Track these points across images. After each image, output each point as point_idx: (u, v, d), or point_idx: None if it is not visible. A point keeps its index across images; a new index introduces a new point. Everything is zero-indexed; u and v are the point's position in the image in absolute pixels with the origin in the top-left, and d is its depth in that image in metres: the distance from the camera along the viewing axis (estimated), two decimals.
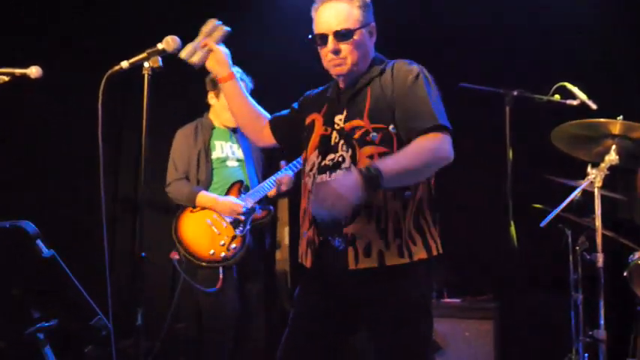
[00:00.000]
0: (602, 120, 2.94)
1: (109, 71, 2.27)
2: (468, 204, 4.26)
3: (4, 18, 4.04)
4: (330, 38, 2.10)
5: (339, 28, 2.09)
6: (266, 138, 2.44)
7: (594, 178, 2.87)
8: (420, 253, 2.03)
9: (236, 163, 3.57)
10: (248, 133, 2.53)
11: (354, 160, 2.05)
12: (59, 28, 4.26)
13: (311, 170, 2.17)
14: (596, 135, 2.99)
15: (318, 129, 2.20)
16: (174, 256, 3.42)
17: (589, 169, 2.96)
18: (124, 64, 2.37)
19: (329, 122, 2.17)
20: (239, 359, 3.49)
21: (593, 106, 3.18)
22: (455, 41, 4.49)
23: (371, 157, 2.03)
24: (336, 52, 2.11)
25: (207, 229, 3.36)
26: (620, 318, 3.26)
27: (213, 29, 2.43)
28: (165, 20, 4.36)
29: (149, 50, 2.29)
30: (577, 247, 3.41)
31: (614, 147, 2.88)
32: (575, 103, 3.24)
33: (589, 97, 3.22)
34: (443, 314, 3.85)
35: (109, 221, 4.27)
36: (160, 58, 2.27)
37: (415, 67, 2.12)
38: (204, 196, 3.40)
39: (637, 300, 3.08)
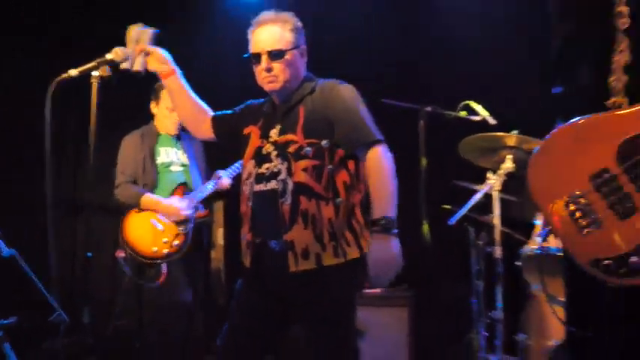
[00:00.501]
0: (499, 134, 3.35)
1: (57, 78, 2.27)
2: None
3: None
4: (264, 57, 2.26)
5: (271, 49, 2.25)
6: (206, 132, 2.55)
7: (494, 183, 3.34)
8: (353, 253, 2.19)
9: (180, 168, 3.74)
10: (189, 126, 2.62)
11: (289, 172, 2.19)
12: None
13: (248, 179, 2.31)
14: (495, 146, 3.39)
15: (255, 141, 2.36)
16: (120, 254, 3.55)
17: (489, 175, 3.41)
18: (73, 72, 2.35)
19: (264, 135, 2.33)
20: (179, 354, 3.61)
21: (493, 122, 3.56)
22: (384, 60, 4.81)
23: (305, 169, 2.18)
24: (269, 69, 2.26)
25: (151, 227, 3.52)
26: (514, 301, 3.63)
27: (140, 34, 2.43)
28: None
29: (98, 60, 2.31)
30: (479, 242, 3.85)
31: (510, 157, 3.31)
32: (477, 118, 3.61)
33: (490, 114, 3.59)
34: (364, 303, 4.09)
35: (55, 223, 4.32)
36: (108, 68, 2.28)
37: (347, 86, 2.32)
38: (148, 198, 3.56)
39: (527, 285, 3.49)
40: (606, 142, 1.25)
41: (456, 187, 3.80)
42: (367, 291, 4.42)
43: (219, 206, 4.57)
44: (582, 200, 1.28)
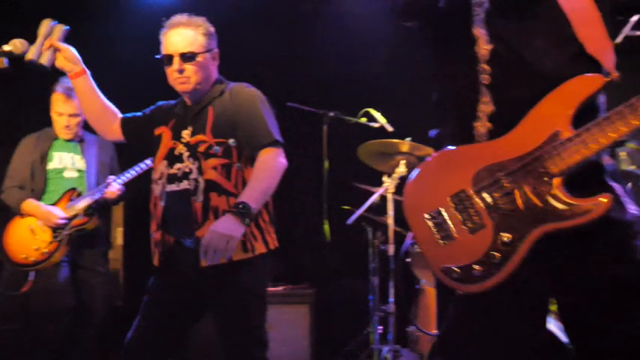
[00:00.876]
0: (394, 140, 3.61)
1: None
2: (291, 206, 4.74)
3: None
4: (176, 59, 2.30)
5: (184, 51, 2.30)
6: (115, 133, 2.55)
7: (388, 186, 3.60)
8: (260, 248, 2.31)
9: (75, 174, 3.62)
10: (97, 127, 2.59)
11: (200, 170, 2.27)
12: None
13: (160, 179, 2.36)
14: (390, 152, 3.64)
15: (166, 141, 2.40)
16: None
17: (384, 178, 3.67)
18: None
19: (176, 136, 2.38)
20: (73, 355, 3.60)
21: (390, 129, 3.87)
22: (294, 66, 4.97)
23: (215, 167, 2.28)
24: (181, 71, 2.31)
25: (27, 234, 3.41)
26: (406, 295, 3.84)
27: (51, 30, 2.38)
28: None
29: None
30: (375, 241, 4.10)
31: (403, 162, 3.57)
32: (376, 125, 3.92)
33: (387, 121, 3.90)
34: (267, 301, 4.33)
35: None
36: (5, 60, 2.22)
37: (253, 90, 2.42)
38: (28, 204, 3.44)
39: (417, 280, 3.74)
40: (466, 168, 1.47)
41: (355, 189, 4.01)
42: (270, 289, 4.63)
43: (118, 207, 4.50)
44: (441, 216, 1.47)
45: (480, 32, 1.50)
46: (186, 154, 2.33)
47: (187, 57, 2.32)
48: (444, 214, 1.46)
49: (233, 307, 2.32)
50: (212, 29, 2.43)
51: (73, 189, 3.56)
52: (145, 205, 2.50)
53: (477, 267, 1.41)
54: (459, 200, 1.45)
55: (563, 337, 1.93)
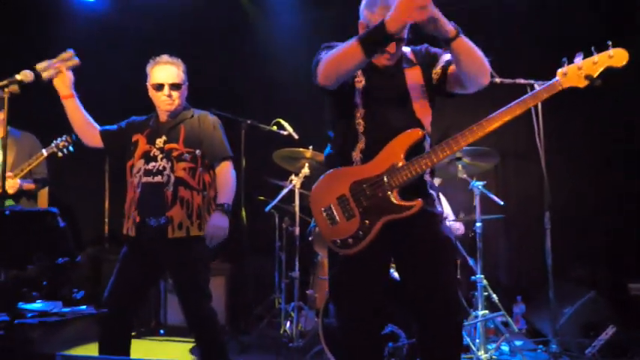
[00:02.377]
0: (300, 149, 4.54)
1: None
2: None
3: None
4: (166, 87, 3.14)
5: (173, 82, 3.15)
6: (96, 142, 3.22)
7: (295, 182, 4.62)
8: None
9: None
10: (82, 137, 3.23)
11: (172, 169, 3.06)
12: None
13: (138, 172, 3.10)
14: (297, 157, 4.60)
15: (142, 145, 3.15)
16: None
17: (293, 176, 4.63)
18: None
19: (151, 141, 3.14)
20: None
21: (296, 137, 4.79)
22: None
23: (184, 169, 3.07)
24: (170, 96, 3.14)
25: None
26: (306, 265, 4.89)
27: (69, 58, 2.97)
28: None
29: (9, 79, 2.84)
30: (284, 225, 5.12)
31: (307, 165, 4.55)
32: (285, 133, 4.81)
33: (294, 130, 4.81)
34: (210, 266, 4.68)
35: None
36: (18, 86, 2.79)
37: (214, 118, 3.28)
38: None
39: (316, 254, 4.72)
40: (346, 180, 2.42)
41: (268, 183, 4.93)
42: None
43: (43, 194, 4.90)
44: (331, 209, 2.43)
45: (358, 100, 2.46)
46: (160, 155, 3.11)
47: (175, 86, 3.19)
48: (332, 208, 2.43)
49: (188, 269, 3.10)
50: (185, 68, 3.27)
51: None
52: None
53: (350, 240, 2.38)
54: (341, 200, 2.41)
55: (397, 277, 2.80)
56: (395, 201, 2.35)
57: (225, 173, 3.24)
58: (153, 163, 3.13)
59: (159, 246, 3.10)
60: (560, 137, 4.85)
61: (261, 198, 4.94)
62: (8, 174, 3.87)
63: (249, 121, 4.95)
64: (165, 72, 3.19)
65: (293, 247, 4.76)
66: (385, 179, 2.36)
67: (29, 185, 4.05)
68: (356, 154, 2.44)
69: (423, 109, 2.48)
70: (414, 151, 2.38)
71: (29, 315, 2.00)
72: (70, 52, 2.98)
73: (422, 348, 2.42)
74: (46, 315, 2.03)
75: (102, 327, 3.09)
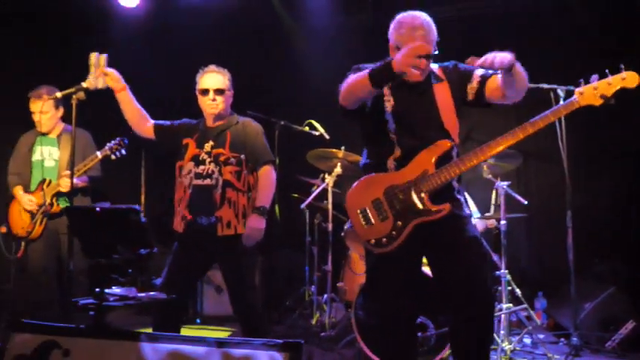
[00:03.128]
0: (333, 149, 4.77)
1: (49, 97, 3.30)
2: None
3: None
4: (211, 92, 3.39)
5: (217, 87, 3.40)
6: (148, 133, 3.46)
7: (328, 181, 4.85)
8: None
9: (53, 163, 4.34)
10: (134, 127, 3.44)
11: (220, 172, 3.29)
12: None
13: (188, 174, 3.34)
14: (330, 157, 4.83)
15: (192, 149, 3.40)
16: (2, 230, 4.32)
17: (326, 175, 4.86)
18: (58, 94, 3.37)
19: (200, 145, 3.38)
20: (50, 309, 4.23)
21: (327, 137, 4.98)
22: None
23: (231, 172, 3.30)
24: (214, 100, 3.39)
25: (19, 214, 4.29)
26: (339, 260, 5.10)
27: (98, 59, 3.16)
28: None
29: (76, 87, 3.18)
30: (315, 220, 5.34)
31: (339, 164, 4.77)
32: (317, 134, 5.01)
33: (326, 131, 5.00)
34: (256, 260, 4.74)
35: None
36: (84, 92, 3.15)
37: (257, 125, 3.51)
38: (16, 191, 4.32)
39: (347, 249, 4.88)
40: (380, 185, 2.65)
41: (303, 182, 5.16)
42: None
43: None
44: (366, 211, 2.66)
45: (390, 117, 2.67)
46: (208, 159, 3.37)
47: (219, 91, 3.44)
48: (367, 210, 2.66)
49: (236, 263, 3.37)
50: (230, 77, 3.52)
51: (44, 180, 4.27)
52: None
53: (384, 240, 2.61)
54: (376, 203, 2.64)
55: (429, 273, 3.05)
56: (426, 205, 2.59)
57: (267, 176, 3.46)
58: (202, 167, 3.37)
59: (209, 242, 3.35)
60: (581, 138, 5.01)
61: (295, 195, 5.17)
62: (66, 172, 4.14)
63: (282, 122, 5.13)
64: (211, 79, 3.46)
65: (325, 242, 4.98)
66: (417, 185, 2.59)
67: (83, 183, 4.30)
68: (390, 162, 2.68)
69: (450, 122, 2.70)
70: (443, 160, 2.62)
71: (112, 299, 2.28)
72: (93, 55, 3.18)
73: (454, 334, 2.65)
74: (127, 299, 2.31)
75: (156, 314, 3.36)
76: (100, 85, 3.20)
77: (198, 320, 5.62)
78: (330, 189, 4.83)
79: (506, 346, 4.07)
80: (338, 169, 4.78)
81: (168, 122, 3.56)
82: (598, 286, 4.71)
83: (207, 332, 5.27)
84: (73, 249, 3.31)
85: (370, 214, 2.64)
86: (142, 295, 2.39)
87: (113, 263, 2.22)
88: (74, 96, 3.24)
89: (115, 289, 2.40)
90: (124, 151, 4.18)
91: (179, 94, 5.03)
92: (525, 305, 4.49)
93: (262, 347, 2.07)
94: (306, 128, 5.10)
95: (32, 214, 4.26)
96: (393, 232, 2.60)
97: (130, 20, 6.02)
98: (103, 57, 3.19)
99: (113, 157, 4.15)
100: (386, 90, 2.68)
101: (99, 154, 4.14)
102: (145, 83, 4.62)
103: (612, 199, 5.45)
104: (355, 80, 2.56)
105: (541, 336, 4.48)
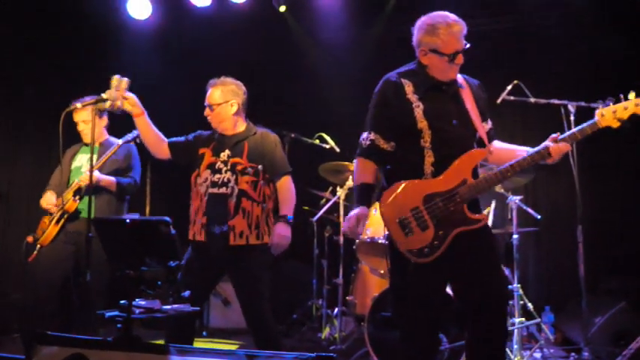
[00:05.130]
0: (345, 162, 4.79)
1: (67, 109, 3.26)
2: None
3: None
4: (207, 107, 3.44)
5: (209, 102, 3.40)
6: (164, 153, 3.46)
7: (340, 194, 4.87)
8: (266, 239, 3.36)
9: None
10: (152, 149, 3.45)
11: (236, 182, 3.30)
12: None
13: (205, 182, 3.35)
14: (342, 170, 4.86)
15: (209, 158, 3.41)
16: (28, 239, 4.10)
17: (338, 188, 4.90)
18: (79, 105, 3.39)
19: (216, 154, 3.39)
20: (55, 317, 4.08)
21: (337, 150, 5.03)
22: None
23: (247, 182, 3.31)
24: (209, 115, 3.41)
25: (47, 218, 4.11)
26: (349, 272, 5.06)
27: (119, 82, 3.16)
28: None
29: (97, 98, 3.21)
30: (326, 233, 5.35)
31: (351, 177, 4.74)
32: (327, 147, 5.04)
33: (336, 144, 5.04)
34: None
35: None
36: (104, 103, 3.17)
37: (275, 136, 3.53)
38: (44, 194, 4.16)
39: (358, 261, 4.86)
40: (419, 193, 2.65)
41: (312, 195, 5.19)
42: None
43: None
44: (406, 220, 2.65)
45: (421, 121, 2.66)
46: (224, 168, 3.37)
47: (211, 106, 3.44)
48: (408, 219, 2.64)
49: (247, 273, 3.36)
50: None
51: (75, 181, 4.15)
52: None
53: (426, 250, 2.61)
54: (415, 212, 2.64)
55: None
56: (467, 214, 2.62)
57: (287, 187, 3.49)
58: (218, 175, 3.37)
59: (221, 252, 3.34)
60: (592, 153, 5.05)
61: (306, 208, 5.18)
62: (86, 167, 4.02)
63: (292, 135, 5.13)
64: (208, 93, 3.48)
65: (335, 255, 4.97)
66: (459, 193, 2.62)
67: (107, 181, 4.10)
68: (427, 167, 2.66)
69: (481, 128, 2.77)
70: (477, 168, 2.69)
71: (137, 312, 2.27)
72: (115, 77, 3.19)
73: (474, 342, 2.68)
74: (153, 311, 2.30)
75: (171, 326, 3.33)
76: (117, 108, 3.21)
77: (204, 333, 5.59)
78: (342, 202, 4.84)
79: None
80: (350, 182, 4.79)
81: (182, 138, 3.56)
82: (608, 300, 4.72)
83: (213, 345, 5.23)
84: (90, 259, 3.26)
85: (411, 224, 2.63)
86: (168, 307, 2.38)
87: (143, 275, 2.19)
88: (94, 107, 3.28)
89: (140, 302, 2.39)
90: (131, 146, 4.13)
91: (191, 105, 5.04)
92: (538, 320, 4.50)
93: None
94: (317, 141, 5.13)
95: (49, 214, 4.12)
96: (435, 242, 2.60)
97: (141, 32, 6.04)
98: (125, 81, 3.20)
99: (133, 142, 4.04)
100: (413, 96, 2.70)
101: (120, 141, 4.03)
102: (157, 94, 4.71)
103: (623, 214, 5.47)
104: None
105: (551, 350, 4.48)
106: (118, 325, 2.18)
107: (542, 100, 4.29)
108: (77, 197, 4.04)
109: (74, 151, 4.36)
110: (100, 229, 2.53)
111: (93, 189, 3.76)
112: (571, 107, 4.39)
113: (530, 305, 4.51)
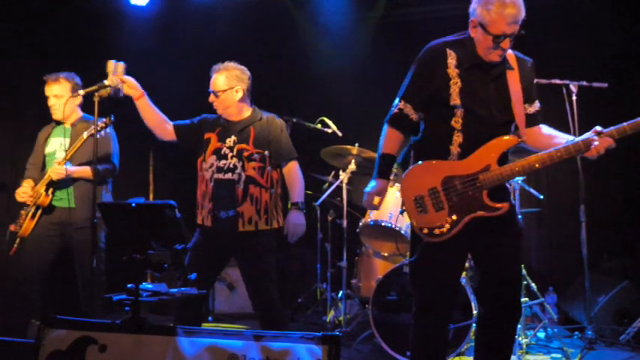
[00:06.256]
0: (347, 146, 4.77)
1: (70, 96, 3.29)
2: None
3: None
4: (212, 94, 3.41)
5: (214, 89, 3.37)
6: (169, 135, 3.44)
7: (343, 178, 4.87)
8: (275, 224, 3.41)
9: (63, 155, 3.90)
10: (155, 132, 3.42)
11: (243, 168, 3.29)
12: None
13: (210, 168, 3.34)
14: (344, 153, 4.83)
15: (214, 143, 3.39)
16: (11, 227, 3.98)
17: (340, 172, 4.89)
18: (81, 92, 3.39)
19: (221, 140, 3.38)
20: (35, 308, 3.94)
21: (339, 134, 4.96)
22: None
23: (254, 168, 3.30)
24: (213, 102, 3.39)
25: (23, 212, 3.99)
26: (353, 256, 5.10)
27: (116, 67, 3.15)
28: None
29: (99, 84, 3.21)
30: (329, 217, 5.35)
31: (353, 161, 4.77)
32: (329, 131, 4.98)
33: (338, 128, 4.97)
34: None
35: None
36: (105, 90, 3.18)
37: (281, 121, 3.51)
38: (23, 182, 4.02)
39: (362, 245, 4.89)
40: (439, 174, 2.60)
41: (314, 179, 5.16)
42: None
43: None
44: (422, 199, 2.61)
45: (456, 99, 2.56)
46: (230, 154, 3.36)
47: (216, 93, 3.42)
48: (424, 198, 2.61)
49: (256, 259, 3.38)
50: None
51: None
52: None
53: (436, 230, 2.58)
54: (432, 192, 2.60)
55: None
56: (486, 201, 2.56)
57: (295, 173, 3.50)
58: (224, 161, 3.37)
59: (229, 237, 3.36)
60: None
61: (309, 192, 5.16)
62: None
63: (294, 119, 5.06)
64: (212, 80, 3.45)
65: (338, 238, 4.98)
66: (479, 179, 2.55)
67: (82, 172, 3.95)
68: (454, 148, 2.59)
69: (520, 113, 2.62)
70: (506, 155, 2.61)
71: (145, 295, 2.29)
72: (110, 62, 3.18)
73: (486, 324, 2.70)
74: (160, 294, 2.32)
75: (179, 309, 3.35)
76: (119, 90, 3.19)
77: (210, 318, 5.62)
78: (344, 186, 4.84)
79: (523, 339, 4.10)
80: (352, 166, 4.79)
81: (187, 121, 3.54)
82: (611, 280, 4.75)
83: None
84: (96, 245, 3.26)
85: (426, 203, 2.60)
86: (175, 290, 2.40)
87: (150, 259, 2.22)
88: (96, 93, 3.24)
89: (147, 285, 2.41)
90: (109, 130, 3.94)
91: (190, 91, 5.05)
92: (542, 299, 4.53)
93: (300, 340, 2.09)
94: (319, 125, 5.09)
95: (24, 208, 3.98)
96: (447, 224, 2.57)
97: (140, 19, 6.02)
98: (121, 65, 3.17)
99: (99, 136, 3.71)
100: (454, 71, 2.59)
101: (85, 134, 3.83)
102: (157, 82, 4.71)
103: (626, 194, 5.48)
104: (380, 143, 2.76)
105: (555, 330, 4.51)
106: (126, 308, 2.20)
107: (544, 81, 4.28)
108: (50, 191, 3.92)
109: (47, 132, 4.15)
110: (105, 214, 2.54)
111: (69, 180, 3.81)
112: (573, 87, 4.40)
113: (533, 285, 4.53)
